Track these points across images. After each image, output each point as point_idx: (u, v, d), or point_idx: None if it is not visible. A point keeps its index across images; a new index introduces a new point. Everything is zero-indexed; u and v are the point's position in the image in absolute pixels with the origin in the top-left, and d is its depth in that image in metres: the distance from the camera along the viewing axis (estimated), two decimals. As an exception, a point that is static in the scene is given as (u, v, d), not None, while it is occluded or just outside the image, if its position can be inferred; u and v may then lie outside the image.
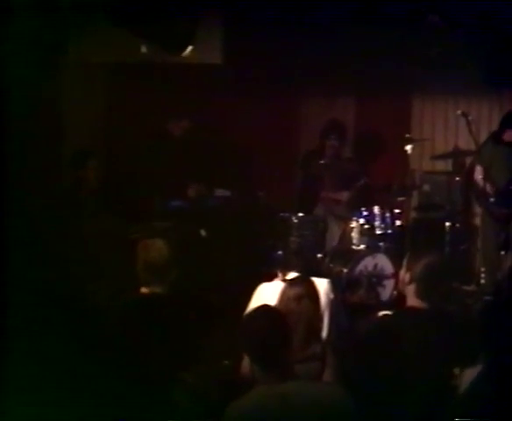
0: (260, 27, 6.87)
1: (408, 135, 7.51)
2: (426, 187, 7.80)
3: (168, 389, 4.17)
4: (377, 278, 6.74)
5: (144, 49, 6.73)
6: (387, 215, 7.07)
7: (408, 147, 7.30)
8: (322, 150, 7.62)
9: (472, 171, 7.17)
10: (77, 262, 5.65)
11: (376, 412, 3.93)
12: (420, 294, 4.24)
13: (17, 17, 5.44)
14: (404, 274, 4.37)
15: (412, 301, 4.29)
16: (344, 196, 7.56)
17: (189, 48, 6.65)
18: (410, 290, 4.30)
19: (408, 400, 4.02)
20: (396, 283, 6.35)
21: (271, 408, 3.49)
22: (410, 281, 4.29)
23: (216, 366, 4.85)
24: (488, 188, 6.97)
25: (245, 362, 4.42)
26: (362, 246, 6.95)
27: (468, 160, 7.41)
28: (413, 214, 7.92)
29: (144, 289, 4.53)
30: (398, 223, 7.14)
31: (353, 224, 7.02)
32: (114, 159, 7.29)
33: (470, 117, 6.99)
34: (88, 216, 6.22)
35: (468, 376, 3.84)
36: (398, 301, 5.43)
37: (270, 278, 5.21)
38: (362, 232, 6.99)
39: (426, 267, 4.25)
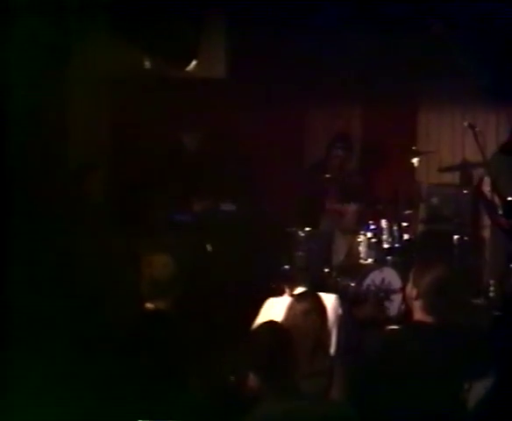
0: (265, 40, 6.85)
1: (414, 147, 7.50)
2: (433, 199, 7.74)
3: (173, 404, 4.14)
4: (384, 292, 6.69)
5: (148, 64, 6.73)
6: (395, 228, 7.03)
7: (415, 160, 7.28)
8: (327, 163, 7.60)
9: (480, 183, 7.14)
10: (81, 276, 5.63)
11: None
12: (426, 309, 4.21)
13: (22, 30, 5.46)
14: (411, 289, 4.33)
15: (419, 315, 4.25)
16: (351, 208, 7.51)
17: (193, 63, 6.65)
18: (417, 305, 4.26)
19: (417, 416, 3.96)
20: (404, 297, 6.30)
21: None
22: (417, 297, 4.24)
23: (221, 381, 4.81)
24: (497, 199, 6.93)
25: (250, 379, 4.39)
26: (369, 260, 6.92)
27: (476, 172, 7.37)
28: (420, 227, 7.87)
29: (148, 305, 4.50)
30: (406, 236, 7.10)
31: (360, 238, 6.98)
32: (118, 172, 7.27)
33: (477, 129, 6.95)
34: (92, 229, 6.18)
35: (478, 390, 3.81)
36: (406, 315, 5.37)
37: (278, 293, 5.17)
38: (369, 246, 6.95)
39: (432, 282, 4.22)
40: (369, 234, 6.97)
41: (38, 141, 6.09)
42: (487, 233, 7.55)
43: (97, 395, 4.15)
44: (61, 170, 6.68)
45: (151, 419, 3.88)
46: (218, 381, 4.60)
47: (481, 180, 7.13)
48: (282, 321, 4.37)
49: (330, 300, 4.91)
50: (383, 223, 7.00)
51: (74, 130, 7.10)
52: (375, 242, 6.96)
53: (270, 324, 3.94)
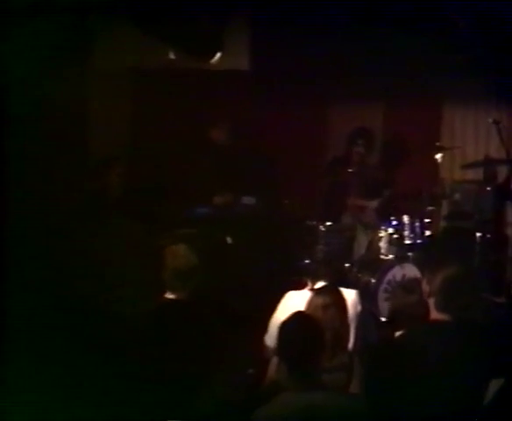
0: (288, 34, 6.84)
1: (438, 143, 7.46)
2: (456, 196, 7.69)
3: (193, 395, 4.16)
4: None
5: (172, 55, 6.73)
6: (417, 224, 6.98)
7: (439, 156, 7.25)
8: (349, 157, 7.58)
9: (508, 180, 7.08)
10: (102, 268, 5.66)
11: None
12: (439, 306, 4.19)
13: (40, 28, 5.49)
14: (425, 286, 4.33)
15: (433, 313, 4.24)
16: (372, 203, 7.48)
17: (218, 55, 6.65)
18: (431, 302, 4.25)
19: (435, 412, 3.96)
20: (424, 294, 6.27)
21: (296, 416, 3.49)
22: (430, 294, 4.24)
23: (240, 373, 4.83)
24: None
25: (271, 370, 4.41)
26: (390, 256, 6.88)
27: (500, 169, 7.32)
28: (443, 223, 7.82)
29: (169, 295, 4.53)
30: (427, 232, 7.06)
31: (382, 234, 6.95)
32: (139, 165, 7.28)
33: (501, 125, 6.90)
34: (113, 222, 6.21)
35: (497, 387, 3.80)
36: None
37: (298, 287, 5.17)
38: (391, 242, 6.91)
39: (444, 281, 4.22)
40: (391, 230, 6.92)
41: (59, 136, 6.14)
42: (510, 231, 7.49)
43: (117, 387, 4.19)
44: (82, 164, 6.74)
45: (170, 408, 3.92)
46: (238, 372, 4.63)
47: (509, 177, 7.07)
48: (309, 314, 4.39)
49: (350, 295, 4.91)
50: (405, 218, 6.96)
51: (96, 123, 7.14)
52: (397, 238, 6.91)
53: (301, 315, 4.00)
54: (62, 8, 5.62)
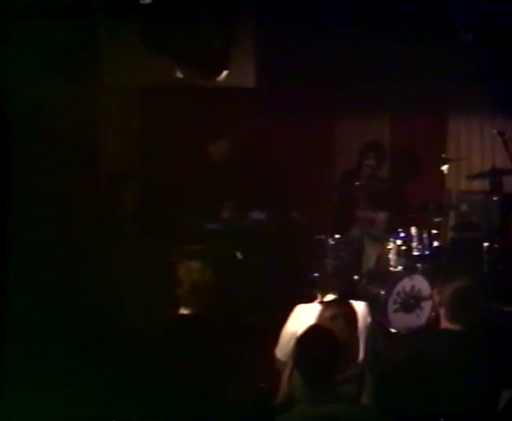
0: (294, 50, 6.89)
1: (444, 155, 7.50)
2: (463, 207, 7.72)
3: (206, 408, 4.19)
4: (415, 300, 6.70)
5: (179, 73, 6.79)
6: (425, 236, 7.02)
7: (445, 167, 7.29)
8: (358, 170, 7.61)
9: None
10: (114, 284, 5.70)
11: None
12: (449, 317, 4.23)
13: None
14: (436, 296, 4.36)
15: (444, 322, 4.28)
16: (380, 216, 7.51)
17: (224, 72, 6.70)
18: (442, 312, 4.29)
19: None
20: (434, 305, 6.31)
21: None
22: (440, 304, 4.28)
23: (252, 387, 4.86)
24: None
25: (284, 383, 4.44)
26: (399, 268, 6.92)
27: (505, 180, 7.36)
28: (450, 234, 7.85)
29: (182, 310, 4.56)
30: (435, 243, 7.09)
31: (390, 246, 6.98)
32: (151, 181, 7.34)
33: (506, 136, 6.94)
34: (124, 237, 6.25)
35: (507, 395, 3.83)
36: (436, 322, 5.38)
37: (309, 299, 5.20)
38: (399, 254, 6.95)
39: (454, 292, 4.26)
40: (399, 241, 6.96)
41: (70, 150, 6.20)
42: (517, 240, 7.52)
43: (130, 398, 4.22)
44: (93, 181, 6.80)
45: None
46: (249, 386, 4.65)
47: None
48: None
49: (359, 307, 4.93)
50: (413, 230, 6.99)
51: (105, 140, 7.20)
52: (405, 249, 6.95)
53: (320, 328, 4.06)
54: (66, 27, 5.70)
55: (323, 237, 6.86)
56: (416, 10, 5.91)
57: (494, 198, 7.33)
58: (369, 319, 5.08)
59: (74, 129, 6.12)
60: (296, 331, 4.82)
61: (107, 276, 5.68)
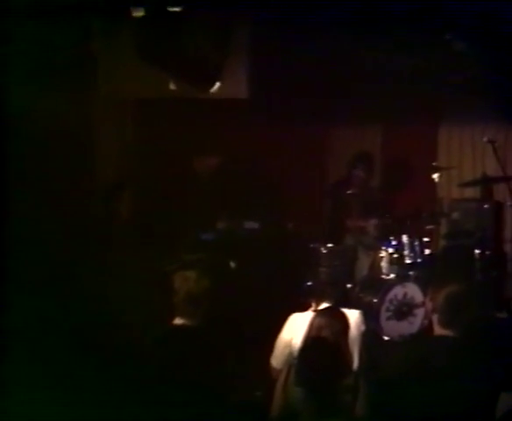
0: (286, 62, 6.94)
1: (435, 163, 7.56)
2: (455, 214, 7.79)
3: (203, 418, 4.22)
4: (407, 307, 6.75)
5: (173, 85, 6.83)
6: (416, 243, 7.06)
7: (436, 175, 7.33)
8: (349, 180, 7.66)
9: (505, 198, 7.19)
10: (109, 294, 5.72)
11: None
12: (442, 323, 4.27)
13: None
14: (428, 303, 4.41)
15: (437, 329, 4.32)
16: (372, 225, 7.54)
17: (217, 84, 6.75)
18: (435, 319, 4.34)
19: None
20: (426, 312, 6.36)
21: None
22: (433, 311, 4.33)
23: (248, 396, 4.88)
24: None
25: (278, 393, 4.47)
26: (392, 276, 6.95)
27: (496, 187, 7.42)
28: (442, 242, 7.91)
29: (179, 320, 4.59)
30: (427, 251, 7.14)
31: (382, 254, 7.03)
32: (145, 192, 7.38)
33: (497, 144, 7.01)
34: (119, 247, 6.28)
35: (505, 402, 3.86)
36: (428, 330, 5.43)
37: (302, 308, 5.24)
38: (391, 262, 6.99)
39: (446, 298, 4.29)
40: (391, 250, 7.00)
41: (65, 162, 6.23)
42: (508, 247, 7.58)
43: (128, 399, 4.24)
44: (89, 191, 6.82)
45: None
46: (244, 395, 4.68)
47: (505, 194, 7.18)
48: (305, 335, 4.47)
49: (353, 315, 4.98)
50: (405, 238, 7.04)
51: (100, 151, 7.23)
52: (397, 257, 6.99)
53: (323, 340, 4.09)
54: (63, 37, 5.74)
55: (316, 246, 6.92)
56: (406, 19, 5.95)
57: (486, 206, 7.39)
58: (363, 327, 5.10)
59: (69, 140, 6.15)
60: (291, 340, 4.87)
61: (102, 285, 5.70)
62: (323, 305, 5.10)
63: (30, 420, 4.30)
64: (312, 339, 4.22)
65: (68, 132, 6.12)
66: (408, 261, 7.02)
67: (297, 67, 7.12)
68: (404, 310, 6.74)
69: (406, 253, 7.02)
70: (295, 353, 4.62)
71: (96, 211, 6.76)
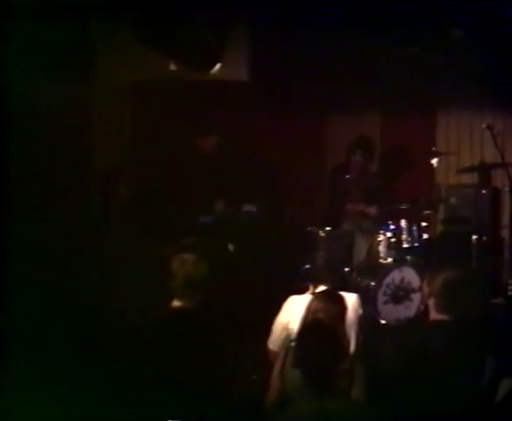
0: (286, 45, 6.93)
1: (433, 148, 7.57)
2: (452, 200, 7.80)
3: (199, 403, 4.24)
4: (404, 291, 6.77)
5: (172, 67, 6.82)
6: (414, 228, 7.08)
7: (434, 161, 7.34)
8: (348, 165, 7.64)
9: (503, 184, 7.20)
10: (107, 278, 5.73)
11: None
12: (439, 308, 4.29)
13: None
14: (425, 288, 4.43)
15: (433, 314, 4.34)
16: (371, 209, 7.56)
17: (217, 66, 6.74)
18: (431, 304, 4.36)
19: (437, 413, 4.06)
20: (423, 297, 6.38)
21: None
22: (429, 296, 4.35)
23: (245, 380, 4.90)
24: None
25: (275, 377, 4.49)
26: (389, 260, 6.97)
27: (494, 173, 7.44)
28: (440, 227, 7.92)
29: (176, 303, 4.59)
30: (425, 236, 7.16)
31: (380, 238, 7.04)
32: (143, 175, 7.37)
33: (495, 130, 7.01)
34: (117, 231, 6.29)
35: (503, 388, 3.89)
36: (424, 314, 5.46)
37: (299, 291, 5.25)
38: (389, 246, 7.00)
39: (443, 283, 4.31)
40: (389, 234, 7.02)
41: (63, 145, 6.23)
42: (505, 233, 7.60)
43: (124, 395, 4.25)
44: (87, 174, 6.82)
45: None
46: (242, 378, 4.69)
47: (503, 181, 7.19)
48: (303, 318, 4.48)
49: (350, 299, 4.98)
50: (403, 223, 7.05)
51: (99, 134, 7.22)
52: (395, 242, 7.00)
53: (320, 324, 4.09)
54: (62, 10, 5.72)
55: (314, 229, 6.92)
56: (408, 9, 5.95)
57: (483, 192, 7.41)
58: (360, 311, 5.12)
59: (67, 123, 6.13)
60: (288, 323, 4.90)
61: (100, 270, 5.70)
62: (321, 289, 5.12)
63: (30, 420, 4.31)
64: (309, 322, 4.23)
65: (66, 117, 6.11)
66: (405, 246, 7.03)
67: (298, 52, 7.11)
68: (401, 294, 6.76)
69: (404, 237, 7.04)
70: (292, 336, 4.64)
71: (93, 196, 6.75)
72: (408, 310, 6.76)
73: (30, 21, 5.41)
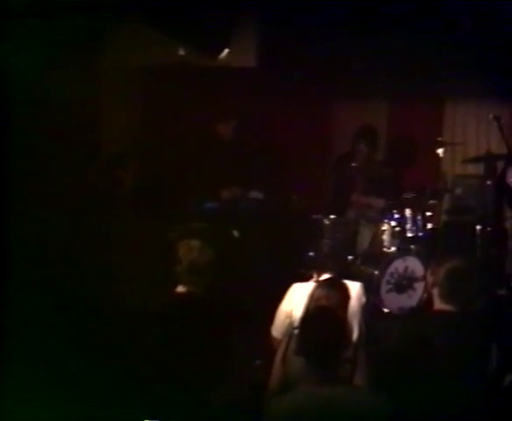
0: (294, 32, 6.92)
1: (440, 138, 7.57)
2: (458, 190, 7.80)
3: (204, 390, 4.25)
4: (407, 281, 6.79)
5: (181, 52, 6.82)
6: (419, 218, 7.09)
7: (440, 151, 7.35)
8: (353, 154, 7.64)
9: (504, 174, 7.19)
10: (113, 262, 5.75)
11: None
12: (443, 297, 4.31)
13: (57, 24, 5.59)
14: (429, 277, 4.45)
15: (437, 303, 4.36)
16: (375, 198, 7.55)
17: (226, 51, 6.74)
18: (435, 293, 4.38)
19: (441, 402, 4.08)
20: (426, 286, 6.41)
21: (316, 409, 3.59)
22: (433, 285, 4.37)
23: (248, 365, 4.93)
24: None
25: (277, 362, 4.52)
26: (393, 249, 6.99)
27: (500, 164, 7.43)
28: (444, 217, 7.92)
29: (181, 289, 4.62)
30: (429, 226, 7.17)
31: (385, 227, 7.05)
32: (150, 161, 7.38)
33: (502, 121, 7.01)
34: (124, 216, 6.30)
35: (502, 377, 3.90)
36: (428, 304, 5.47)
37: (303, 279, 5.27)
38: (393, 235, 7.01)
39: (447, 272, 4.32)
40: (393, 223, 7.03)
41: (71, 132, 6.25)
42: (509, 224, 7.61)
43: (121, 385, 4.27)
44: (94, 160, 6.84)
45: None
46: (246, 364, 4.72)
47: (505, 171, 7.18)
48: (306, 305, 4.51)
49: (354, 287, 5.01)
50: (407, 212, 7.05)
51: (106, 120, 7.24)
52: (399, 231, 7.01)
53: (326, 310, 4.11)
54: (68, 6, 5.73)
55: (319, 217, 6.94)
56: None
57: (489, 182, 7.41)
58: (364, 299, 5.15)
59: (76, 109, 6.16)
60: (292, 310, 4.92)
61: (107, 255, 5.72)
62: (325, 276, 5.14)
63: (30, 420, 4.33)
64: (312, 310, 4.26)
65: (74, 101, 6.12)
66: (409, 235, 7.04)
67: (305, 40, 7.09)
68: (404, 283, 6.79)
69: (408, 226, 7.05)
70: (296, 324, 4.67)
71: (101, 181, 6.76)
72: (412, 299, 6.79)
73: (38, 5, 5.42)
